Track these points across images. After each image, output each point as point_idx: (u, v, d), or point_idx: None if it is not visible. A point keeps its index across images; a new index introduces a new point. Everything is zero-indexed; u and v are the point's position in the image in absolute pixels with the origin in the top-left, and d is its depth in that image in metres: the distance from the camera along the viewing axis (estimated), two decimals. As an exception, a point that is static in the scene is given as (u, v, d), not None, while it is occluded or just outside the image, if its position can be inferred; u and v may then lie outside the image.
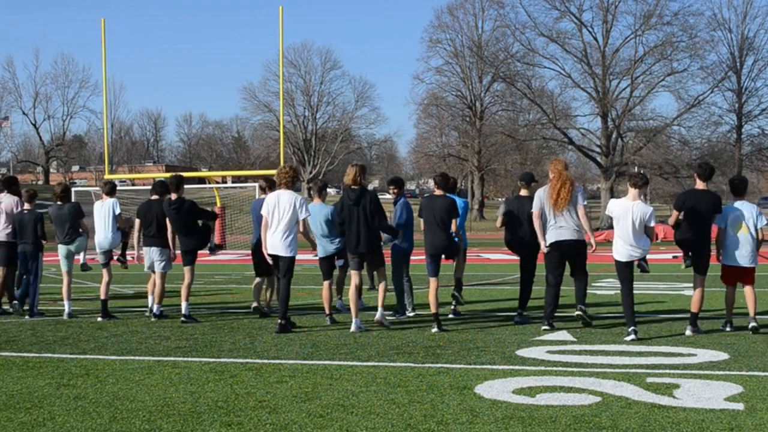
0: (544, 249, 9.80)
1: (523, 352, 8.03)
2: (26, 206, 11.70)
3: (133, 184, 56.44)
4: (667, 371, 7.06)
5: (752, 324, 9.28)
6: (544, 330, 9.54)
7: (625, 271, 9.34)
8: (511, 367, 7.34)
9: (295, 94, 78.07)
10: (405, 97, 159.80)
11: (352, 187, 9.70)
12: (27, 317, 11.34)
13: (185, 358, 7.93)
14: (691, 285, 9.64)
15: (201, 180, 54.16)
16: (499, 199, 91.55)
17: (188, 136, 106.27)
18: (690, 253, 9.52)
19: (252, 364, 7.56)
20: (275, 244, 9.78)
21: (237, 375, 7.07)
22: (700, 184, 9.57)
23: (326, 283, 10.40)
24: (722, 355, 7.81)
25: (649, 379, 6.70)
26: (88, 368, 7.45)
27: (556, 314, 9.95)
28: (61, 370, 7.39)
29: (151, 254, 10.99)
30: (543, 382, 6.65)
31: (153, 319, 10.86)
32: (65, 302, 11.42)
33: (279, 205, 9.74)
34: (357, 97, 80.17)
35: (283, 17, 27.14)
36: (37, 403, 6.12)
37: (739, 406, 5.79)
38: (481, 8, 65.10)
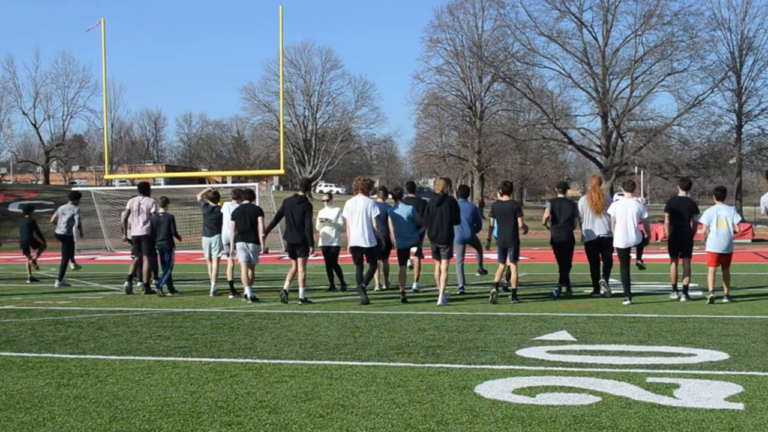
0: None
1: (523, 352, 8.03)
2: (161, 210, 14.27)
3: (133, 184, 56.45)
4: (667, 371, 7.06)
5: (725, 300, 12.21)
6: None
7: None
8: (511, 367, 7.34)
9: (295, 94, 78.17)
10: (405, 97, 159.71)
11: (438, 194, 12.49)
12: (158, 293, 13.95)
13: (185, 358, 7.93)
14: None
15: (201, 180, 54.13)
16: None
17: (188, 136, 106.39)
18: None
19: (252, 364, 7.56)
20: (357, 238, 12.52)
21: (237, 375, 7.07)
22: (681, 193, 12.97)
23: (402, 268, 12.98)
24: (722, 355, 7.81)
25: (649, 379, 6.70)
26: (88, 368, 7.45)
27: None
28: (61, 370, 7.39)
29: (248, 249, 13.03)
30: (543, 382, 6.65)
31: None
32: (212, 282, 14.18)
33: (357, 208, 12.50)
34: (357, 97, 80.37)
35: (283, 17, 27.15)
36: (37, 403, 6.12)
37: (739, 406, 5.79)
38: (481, 8, 65.12)
